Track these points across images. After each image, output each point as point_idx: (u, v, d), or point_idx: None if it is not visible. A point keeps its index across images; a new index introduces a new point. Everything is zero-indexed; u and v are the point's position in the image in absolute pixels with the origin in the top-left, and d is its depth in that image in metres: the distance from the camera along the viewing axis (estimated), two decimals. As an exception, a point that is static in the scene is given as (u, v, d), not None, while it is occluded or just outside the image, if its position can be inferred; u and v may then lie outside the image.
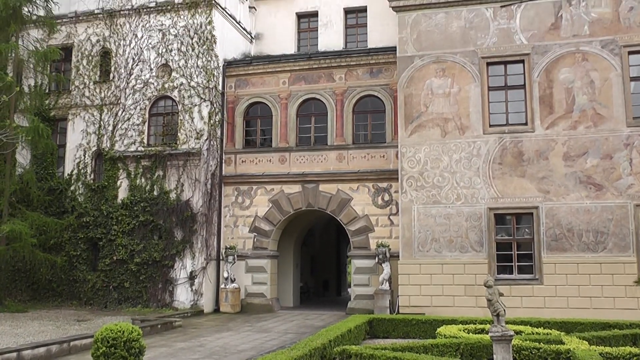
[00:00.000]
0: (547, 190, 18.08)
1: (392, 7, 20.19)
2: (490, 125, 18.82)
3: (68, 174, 23.13)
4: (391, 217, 20.74)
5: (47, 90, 23.84)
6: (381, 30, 23.57)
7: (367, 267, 20.70)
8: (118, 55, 23.21)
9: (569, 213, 17.84)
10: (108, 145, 22.79)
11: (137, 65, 22.93)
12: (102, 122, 23.04)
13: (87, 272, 22.34)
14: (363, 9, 24.59)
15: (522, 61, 18.79)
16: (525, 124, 18.56)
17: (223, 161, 22.54)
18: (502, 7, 19.13)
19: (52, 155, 23.15)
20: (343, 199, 21.31)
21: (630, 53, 18.05)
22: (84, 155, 23.08)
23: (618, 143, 17.78)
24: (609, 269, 17.38)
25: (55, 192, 23.00)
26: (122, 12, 23.42)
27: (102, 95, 23.18)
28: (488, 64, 19.07)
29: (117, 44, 23.31)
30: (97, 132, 23.05)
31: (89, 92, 23.38)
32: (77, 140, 23.25)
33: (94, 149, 23.04)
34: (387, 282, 19.54)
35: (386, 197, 20.90)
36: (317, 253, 29.04)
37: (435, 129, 19.15)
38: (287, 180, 21.94)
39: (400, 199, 19.36)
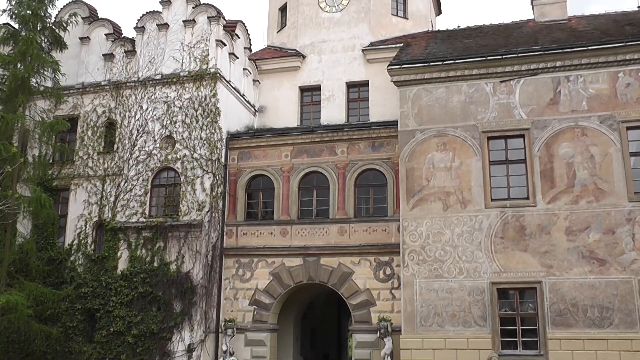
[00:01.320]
0: (550, 265, 18.20)
1: (394, 82, 20.82)
2: (492, 200, 19.09)
3: (68, 244, 23.34)
4: (393, 291, 20.77)
5: (50, 161, 24.29)
6: (383, 104, 24.18)
7: (369, 342, 20.59)
8: (123, 126, 23.78)
9: (573, 288, 17.90)
10: (109, 216, 23.08)
11: (141, 136, 23.46)
12: (104, 193, 23.40)
13: (83, 344, 22.22)
14: (365, 84, 25.28)
15: (522, 136, 19.22)
16: (527, 198, 18.85)
17: (224, 233, 22.73)
18: (501, 82, 19.73)
19: (53, 225, 23.40)
20: (344, 273, 21.39)
21: (628, 128, 18.48)
22: (85, 226, 23.35)
23: (620, 218, 18.00)
24: (616, 345, 17.28)
25: (54, 262, 23.13)
26: (128, 84, 24.14)
27: (106, 166, 23.63)
28: (489, 138, 19.51)
29: (122, 115, 23.92)
30: (98, 203, 23.38)
31: (93, 162, 23.85)
32: (79, 210, 23.57)
33: (95, 219, 23.32)
34: (389, 357, 19.42)
35: (388, 271, 20.99)
36: (318, 326, 28.81)
37: (437, 203, 19.42)
38: (288, 253, 22.07)
39: (402, 272, 19.46)
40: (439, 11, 31.99)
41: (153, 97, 23.75)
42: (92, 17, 25.74)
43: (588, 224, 18.15)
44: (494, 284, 18.51)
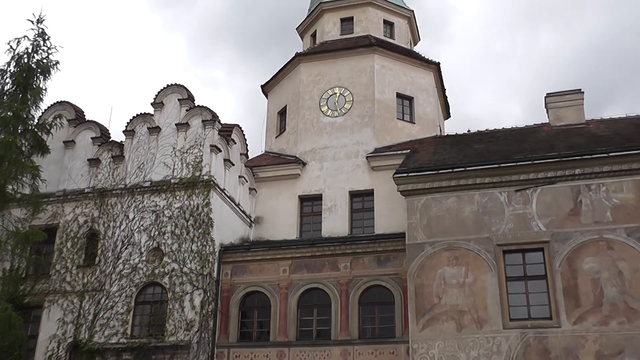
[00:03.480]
0: (580, 396, 17.38)
1: (401, 192, 20.68)
2: (511, 319, 18.45)
3: (37, 370, 22.49)
4: None
5: (23, 275, 23.75)
6: (389, 214, 24.06)
7: None
8: (106, 237, 23.53)
9: (606, 422, 16.99)
10: (86, 337, 22.38)
11: (126, 248, 23.17)
12: (81, 311, 22.80)
13: None
14: (369, 193, 25.33)
15: (542, 249, 18.84)
16: (550, 318, 18.22)
17: (215, 355, 21.98)
18: (516, 191, 19.56)
19: (21, 347, 22.42)
20: (347, 402, 20.52)
21: (659, 242, 18.14)
22: (58, 348, 22.53)
23: (656, 342, 17.33)
24: None
25: (20, 392, 22.15)
26: (114, 192, 24.08)
27: (85, 280, 23.16)
28: (504, 252, 19.12)
29: (106, 225, 23.72)
30: (75, 322, 22.72)
31: (71, 277, 23.36)
32: (52, 330, 22.84)
33: (69, 340, 22.56)
34: None
35: (397, 400, 20.13)
36: None
37: (450, 323, 18.80)
38: (284, 379, 21.32)
39: (412, 402, 18.62)
40: (447, 114, 32.64)
41: (141, 206, 23.65)
42: (79, 119, 26.07)
43: (621, 347, 17.38)
44: (516, 418, 17.61)
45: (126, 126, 25.16)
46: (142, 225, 23.36)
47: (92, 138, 25.40)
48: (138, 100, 65.46)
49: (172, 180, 23.66)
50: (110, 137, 25.90)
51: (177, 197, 23.45)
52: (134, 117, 25.25)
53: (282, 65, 29.75)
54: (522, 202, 19.45)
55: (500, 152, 21.24)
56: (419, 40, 34.00)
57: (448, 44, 70.74)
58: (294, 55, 29.30)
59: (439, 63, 29.59)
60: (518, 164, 19.66)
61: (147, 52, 76.00)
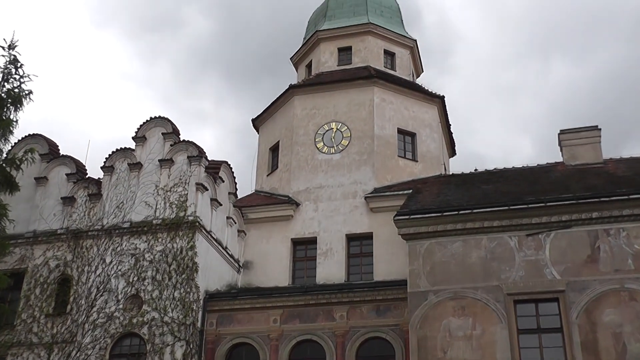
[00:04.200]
0: None
1: (402, 235, 20.56)
2: (523, 376, 18.15)
3: None
4: None
5: (-17, 326, 23.29)
6: (389, 260, 23.87)
7: None
8: (80, 283, 23.13)
9: None
10: (54, 394, 21.92)
11: (101, 295, 22.78)
12: (50, 365, 22.37)
13: None
14: (368, 236, 25.18)
15: (557, 299, 18.59)
16: (566, 376, 17.89)
17: (198, 414, 21.61)
18: (528, 235, 19.39)
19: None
20: None
21: (686, 292, 17.86)
22: (20, 408, 22.07)
23: (687, 406, 16.95)
24: None
25: None
26: (90, 233, 23.72)
27: (55, 331, 22.65)
28: (516, 302, 18.86)
29: (80, 269, 23.33)
30: (41, 378, 22.26)
31: (39, 327, 22.83)
32: (15, 387, 22.35)
33: (34, 398, 22.10)
34: None
35: None
36: None
37: (456, 380, 18.47)
38: None
39: None
40: (452, 152, 32.72)
41: (119, 249, 23.33)
42: (52, 153, 25.88)
43: (645, 410, 17.07)
44: None
45: (105, 162, 24.95)
46: (119, 270, 23.01)
47: (66, 174, 25.19)
48: (118, 134, 65.20)
49: (154, 221, 23.43)
50: (86, 174, 25.65)
51: (159, 240, 23.19)
52: (113, 152, 25.09)
53: (275, 98, 29.87)
54: (534, 247, 19.28)
55: (511, 193, 21.17)
56: (422, 71, 34.29)
57: (452, 75, 71.05)
58: (287, 87, 29.38)
59: (443, 96, 29.71)
60: (530, 206, 19.54)
61: (128, 81, 75.91)
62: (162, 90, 74.38)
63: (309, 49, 32.35)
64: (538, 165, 24.66)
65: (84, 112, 70.39)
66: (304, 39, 33.53)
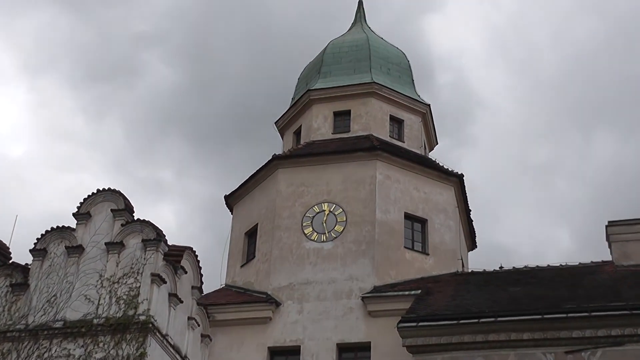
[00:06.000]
0: None
1: (407, 347, 20.64)
2: None
3: None
4: None
5: None
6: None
7: None
8: (-9, 400, 22.18)
9: None
10: None
11: (19, 422, 22.14)
12: None
13: None
14: (365, 347, 24.74)
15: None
16: None
17: None
18: (567, 353, 19.37)
19: None
20: None
21: None
22: None
23: None
24: None
25: None
26: (9, 335, 22.75)
27: None
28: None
29: (-6, 382, 22.38)
30: None
31: None
32: None
33: None
34: None
35: None
36: None
37: None
38: None
39: None
40: (472, 244, 32.84)
41: (46, 356, 22.31)
42: (-35, 232, 25.28)
43: None
44: None
45: (35, 244, 24.21)
46: (45, 386, 22.30)
47: (-18, 258, 24.67)
48: (54, 209, 63.54)
49: (95, 321, 22.55)
50: (10, 258, 25.04)
51: (100, 345, 22.25)
52: (47, 231, 24.34)
53: (255, 171, 29.80)
54: (576, 368, 19.02)
55: (545, 298, 21.20)
56: (436, 143, 34.46)
57: (471, 148, 70.93)
58: (270, 157, 29.27)
59: (462, 175, 29.78)
60: (570, 315, 19.41)
61: (70, 141, 73.43)
62: (111, 154, 73.56)
63: (298, 112, 32.57)
64: (580, 264, 24.79)
65: (10, 179, 68.83)
66: (293, 99, 33.97)
